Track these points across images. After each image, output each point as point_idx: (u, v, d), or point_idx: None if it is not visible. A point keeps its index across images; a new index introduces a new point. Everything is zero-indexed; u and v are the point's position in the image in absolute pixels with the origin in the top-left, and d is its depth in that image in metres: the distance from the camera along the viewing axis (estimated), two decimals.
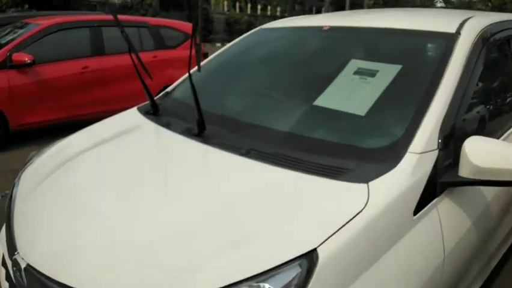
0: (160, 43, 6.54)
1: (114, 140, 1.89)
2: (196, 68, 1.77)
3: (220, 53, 2.47)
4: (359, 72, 1.72)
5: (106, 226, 1.29)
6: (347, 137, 1.54)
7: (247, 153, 1.49)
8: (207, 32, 18.17)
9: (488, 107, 1.90)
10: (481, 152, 1.36)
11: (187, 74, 2.52)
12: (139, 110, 2.26)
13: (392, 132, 1.45)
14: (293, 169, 1.35)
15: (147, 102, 2.37)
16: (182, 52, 6.55)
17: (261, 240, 1.10)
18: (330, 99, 1.66)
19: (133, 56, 2.02)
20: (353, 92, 1.65)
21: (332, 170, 1.32)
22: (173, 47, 6.66)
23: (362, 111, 1.55)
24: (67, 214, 1.41)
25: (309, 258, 1.03)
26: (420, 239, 1.33)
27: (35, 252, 1.30)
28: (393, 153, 1.36)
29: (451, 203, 1.48)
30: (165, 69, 6.23)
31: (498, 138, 1.82)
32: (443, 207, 1.43)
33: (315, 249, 1.05)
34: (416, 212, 1.32)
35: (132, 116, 2.19)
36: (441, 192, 1.43)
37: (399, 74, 1.64)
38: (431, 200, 1.39)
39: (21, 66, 4.77)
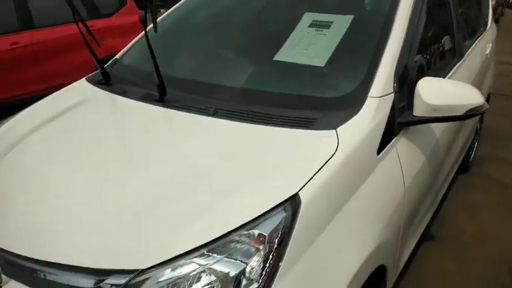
0: (94, 12, 6.12)
1: (68, 113, 1.80)
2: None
3: (170, 14, 2.38)
4: (314, 24, 1.75)
5: (75, 198, 1.26)
6: (310, 89, 1.60)
7: (215, 113, 1.50)
8: None
9: (434, 50, 2.04)
10: (433, 91, 1.48)
11: (137, 38, 2.43)
12: (89, 80, 2.15)
13: (352, 80, 1.52)
14: (264, 124, 1.39)
15: (96, 72, 2.27)
16: (119, 20, 6.21)
17: (246, 191, 1.14)
18: (289, 53, 1.69)
19: (80, 24, 1.90)
20: (310, 45, 1.68)
21: (301, 121, 1.38)
22: (109, 15, 6.28)
23: (321, 62, 1.60)
24: (31, 191, 1.36)
25: (293, 203, 1.10)
26: (384, 176, 1.44)
27: (3, 235, 1.24)
28: (355, 100, 1.44)
29: (407, 142, 1.60)
30: (102, 39, 5.86)
31: (444, 77, 1.97)
32: (401, 145, 1.56)
33: (296, 194, 1.11)
34: (379, 152, 1.42)
35: (83, 88, 2.09)
36: (398, 132, 1.55)
37: (353, 24, 1.70)
38: (391, 140, 1.50)
39: None
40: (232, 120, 1.44)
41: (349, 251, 1.21)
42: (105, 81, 2.04)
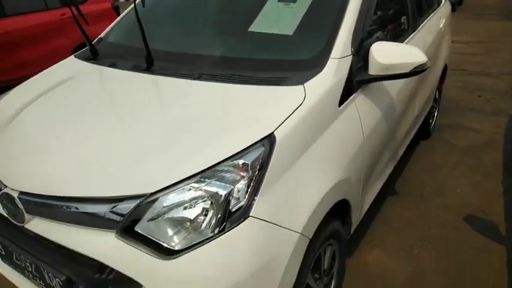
0: None
1: (64, 83, 1.98)
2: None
3: None
4: (281, 0, 1.99)
5: (83, 143, 1.48)
6: (281, 54, 1.84)
7: (199, 77, 1.72)
8: None
9: (388, 22, 2.31)
10: (384, 53, 1.75)
11: (120, 17, 2.59)
12: (77, 57, 2.32)
13: (315, 45, 1.76)
14: (243, 83, 1.62)
15: (83, 49, 2.43)
16: (92, 7, 6.24)
17: (231, 132, 1.38)
18: (261, 24, 1.92)
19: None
20: (279, 17, 1.92)
21: (274, 79, 1.62)
22: (81, 2, 6.29)
23: (290, 31, 1.84)
24: (42, 142, 1.57)
25: (269, 140, 1.34)
26: (344, 125, 1.70)
27: (23, 179, 1.44)
28: (319, 61, 1.69)
29: (365, 98, 1.87)
30: (76, 26, 5.93)
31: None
32: (359, 101, 1.82)
33: (272, 133, 1.36)
34: (340, 104, 1.69)
35: (73, 63, 2.26)
36: (357, 89, 1.81)
37: None
38: (350, 96, 1.76)
39: None
40: (215, 82, 1.67)
41: (315, 182, 1.47)
42: (93, 57, 2.23)
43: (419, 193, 2.97)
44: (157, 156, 1.33)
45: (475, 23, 8.80)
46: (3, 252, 1.65)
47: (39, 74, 2.26)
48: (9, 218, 1.49)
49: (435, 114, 3.99)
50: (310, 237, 1.42)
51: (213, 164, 1.27)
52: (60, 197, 1.33)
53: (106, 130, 1.53)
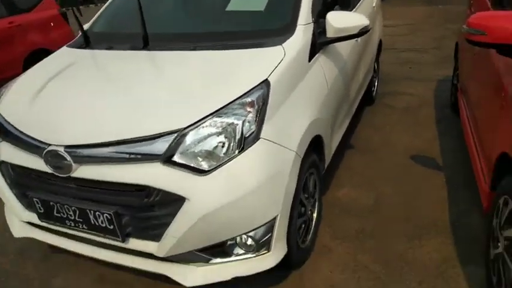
0: (12, 7, 6.04)
1: (73, 66, 2.26)
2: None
3: None
4: None
5: (119, 98, 1.82)
6: (258, 25, 2.27)
7: (194, 48, 2.11)
8: None
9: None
10: (337, 19, 2.22)
11: (104, 7, 2.86)
12: (71, 47, 2.59)
13: (285, 16, 2.21)
14: (235, 49, 2.03)
15: (74, 39, 2.69)
16: (40, 14, 6.24)
17: (237, 80, 1.78)
18: (236, 4, 2.34)
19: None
20: None
21: (257, 44, 2.04)
22: (28, 10, 6.23)
23: (261, 7, 2.28)
24: (75, 104, 1.87)
25: (266, 83, 1.77)
26: (314, 77, 2.17)
27: (67, 135, 1.73)
28: (289, 28, 2.14)
29: (325, 57, 2.35)
30: (26, 35, 5.91)
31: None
32: (322, 59, 2.30)
33: (267, 79, 1.79)
34: (309, 60, 2.15)
35: (70, 52, 2.52)
36: (320, 49, 2.28)
37: None
38: (315, 55, 2.23)
39: None
40: (210, 50, 2.06)
41: (300, 117, 1.92)
42: (86, 45, 2.50)
43: (371, 144, 3.53)
44: (182, 102, 1.70)
45: (402, 9, 9.79)
46: (42, 210, 1.91)
47: (38, 64, 2.48)
48: (54, 172, 1.76)
49: (376, 83, 4.62)
50: (302, 156, 1.86)
51: (227, 103, 1.67)
52: (106, 142, 1.65)
53: (132, 87, 1.87)
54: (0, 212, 2.86)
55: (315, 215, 2.32)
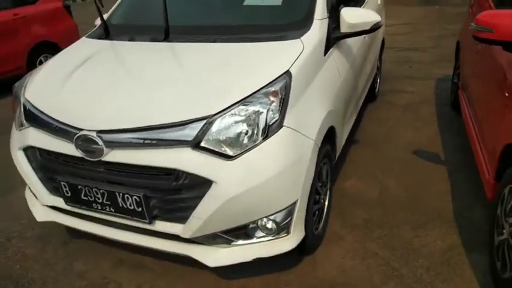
0: None
1: (97, 56, 2.32)
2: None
3: None
4: None
5: (148, 86, 1.91)
6: (277, 19, 2.35)
7: (215, 41, 2.19)
8: None
9: None
10: (350, 15, 2.31)
11: (119, 1, 2.92)
12: (91, 37, 2.65)
13: (302, 11, 2.30)
14: (256, 42, 2.11)
15: (93, 30, 2.75)
16: (45, 6, 6.26)
17: (261, 71, 1.87)
18: None
19: None
20: None
21: (278, 37, 2.13)
22: (33, 2, 6.26)
23: (279, 1, 2.37)
24: (105, 91, 1.94)
25: (288, 74, 1.86)
26: (329, 70, 2.26)
27: (99, 120, 1.80)
28: (307, 22, 2.22)
29: (338, 52, 2.44)
30: (31, 26, 5.93)
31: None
32: (336, 53, 2.39)
33: (289, 70, 1.87)
34: (325, 54, 2.24)
35: (90, 42, 2.58)
36: (334, 44, 2.38)
37: None
38: (330, 49, 2.32)
39: None
40: (231, 43, 2.14)
41: (317, 108, 2.01)
42: (106, 36, 2.57)
43: (374, 139, 3.64)
44: (210, 90, 1.79)
45: (399, 9, 9.93)
46: (69, 194, 1.97)
47: (60, 53, 2.54)
48: (85, 156, 1.82)
49: (379, 81, 4.73)
50: (319, 146, 1.96)
51: (253, 92, 1.75)
52: (137, 128, 1.73)
53: (158, 76, 1.95)
54: (14, 201, 2.92)
55: (326, 203, 2.42)
